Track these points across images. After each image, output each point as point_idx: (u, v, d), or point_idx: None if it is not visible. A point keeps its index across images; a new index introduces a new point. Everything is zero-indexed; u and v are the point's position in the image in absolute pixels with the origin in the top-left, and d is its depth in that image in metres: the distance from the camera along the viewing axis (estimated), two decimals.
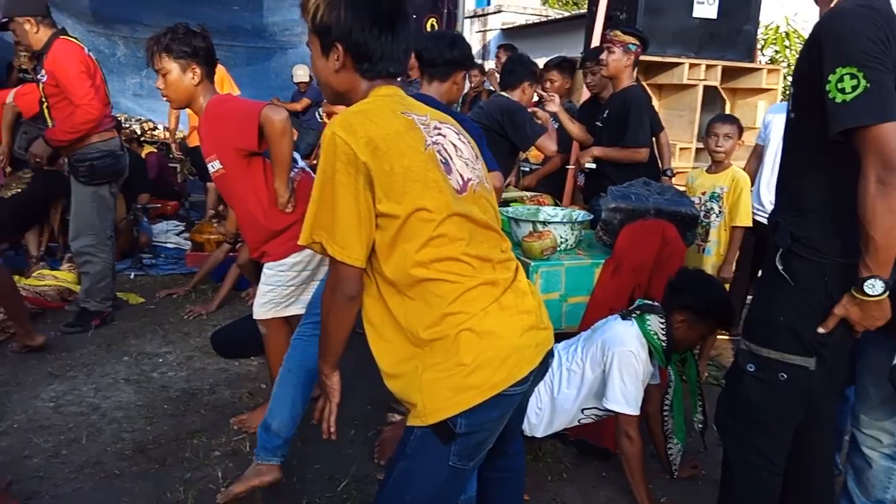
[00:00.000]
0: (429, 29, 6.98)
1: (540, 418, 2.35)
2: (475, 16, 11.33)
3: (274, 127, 2.27)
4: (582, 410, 2.33)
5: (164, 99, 2.48)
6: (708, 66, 4.35)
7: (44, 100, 3.53)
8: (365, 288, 1.37)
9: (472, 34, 11.00)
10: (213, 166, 2.42)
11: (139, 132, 7.52)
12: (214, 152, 2.40)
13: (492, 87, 5.85)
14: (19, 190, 4.39)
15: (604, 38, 3.75)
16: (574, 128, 3.82)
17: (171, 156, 7.38)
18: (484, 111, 3.44)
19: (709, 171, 3.35)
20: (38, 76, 3.46)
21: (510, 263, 1.41)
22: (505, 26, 10.81)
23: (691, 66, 4.33)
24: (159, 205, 5.94)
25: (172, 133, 6.55)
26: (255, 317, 2.58)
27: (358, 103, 1.36)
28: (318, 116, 7.23)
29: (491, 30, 11.13)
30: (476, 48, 10.91)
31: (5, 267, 2.96)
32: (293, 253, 2.48)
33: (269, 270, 2.52)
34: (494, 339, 1.30)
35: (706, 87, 4.39)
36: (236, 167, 2.37)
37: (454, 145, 1.38)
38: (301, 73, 7.58)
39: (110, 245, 3.75)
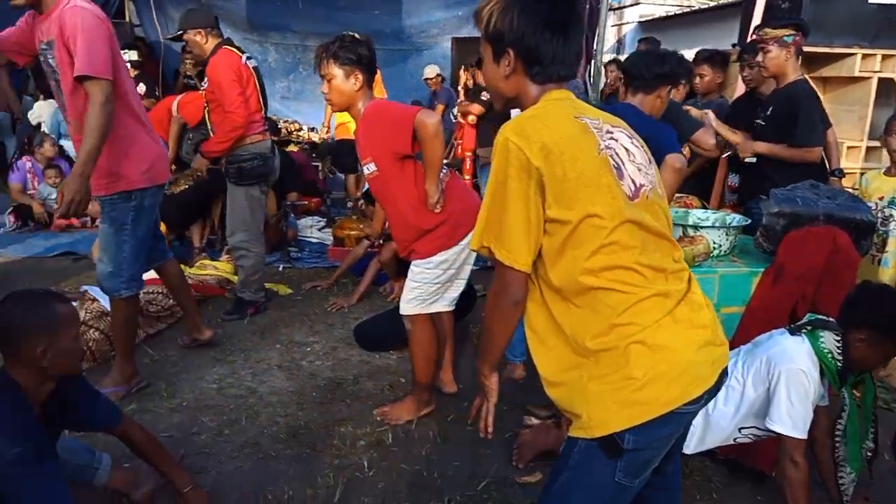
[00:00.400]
0: None
1: (691, 434, 2.22)
2: (610, 9, 11.00)
3: (427, 131, 2.33)
4: (739, 429, 2.18)
5: (327, 102, 2.61)
6: (885, 57, 3.93)
7: (206, 105, 3.84)
8: (528, 293, 1.36)
9: (607, 28, 10.70)
10: (368, 168, 2.51)
11: (286, 132, 8.00)
12: (370, 155, 2.49)
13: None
14: (186, 187, 4.82)
15: (754, 40, 3.49)
16: (736, 138, 3.54)
17: (313, 154, 7.82)
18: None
19: (887, 173, 3.03)
20: (203, 83, 3.76)
21: (683, 274, 1.34)
22: (643, 18, 10.41)
23: (864, 56, 3.93)
24: (305, 202, 6.29)
25: (328, 130, 6.93)
26: (401, 312, 2.65)
27: (530, 108, 1.35)
28: (451, 116, 7.33)
29: (627, 23, 10.76)
30: (611, 42, 10.59)
31: (175, 261, 3.23)
32: (440, 251, 2.53)
33: (416, 268, 2.58)
34: (667, 354, 1.23)
35: (881, 80, 3.97)
36: (390, 169, 2.45)
37: (626, 149, 1.33)
38: (429, 71, 7.71)
39: (262, 240, 4.01)
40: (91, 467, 2.07)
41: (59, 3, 2.47)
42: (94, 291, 3.40)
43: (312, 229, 6.09)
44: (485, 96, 5.69)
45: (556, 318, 1.32)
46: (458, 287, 2.68)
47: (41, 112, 6.68)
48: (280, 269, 4.94)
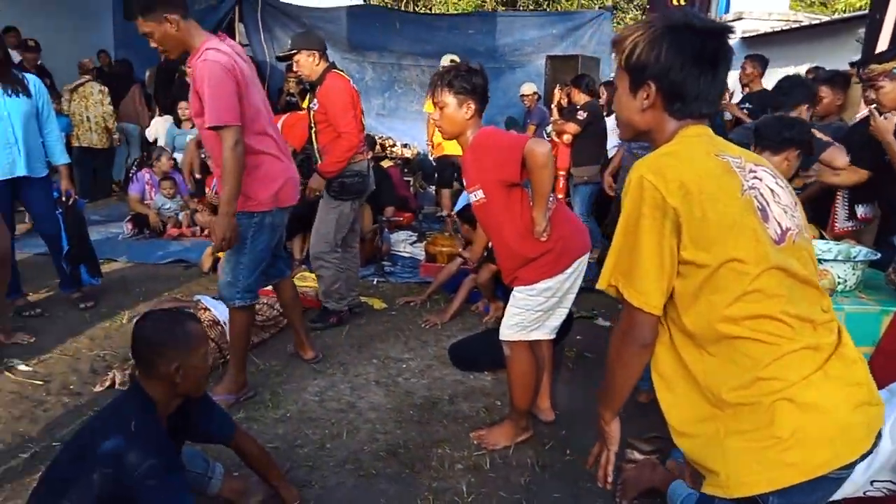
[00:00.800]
0: None
1: None
2: None
3: (537, 160, 2.32)
4: (871, 482, 2.02)
5: (438, 129, 2.65)
6: None
7: (312, 125, 3.98)
8: (657, 336, 1.31)
9: None
10: (476, 195, 2.53)
11: (381, 148, 8.21)
12: (478, 182, 2.50)
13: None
14: None
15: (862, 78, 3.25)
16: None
17: (405, 170, 7.98)
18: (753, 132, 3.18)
19: None
20: (311, 104, 3.89)
21: (832, 325, 1.25)
22: (747, 34, 9.99)
23: None
24: (402, 218, 6.41)
25: (432, 145, 7.08)
26: (500, 337, 2.64)
27: (667, 144, 1.31)
28: (544, 135, 7.29)
29: (730, 39, 10.35)
30: None
31: (291, 280, 3.38)
32: (544, 279, 2.50)
33: (519, 294, 2.56)
34: (819, 414, 1.15)
35: None
36: (497, 197, 2.46)
37: (771, 190, 1.27)
38: (526, 89, 7.70)
39: (343, 253, 4.08)
40: (205, 476, 2.17)
41: (197, 51, 2.66)
42: (207, 301, 3.59)
43: (404, 244, 6.19)
44: (580, 115, 5.63)
45: (686, 365, 1.26)
46: (560, 315, 2.64)
47: (158, 128, 7.15)
48: (374, 282, 5.05)
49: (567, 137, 5.64)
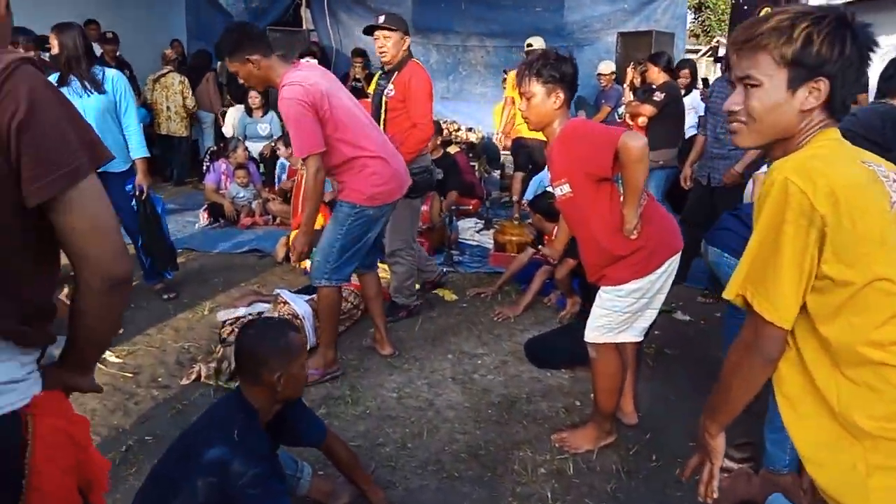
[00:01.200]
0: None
1: None
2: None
3: (631, 154, 2.20)
4: None
5: (524, 120, 2.56)
6: None
7: (383, 112, 3.91)
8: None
9: None
10: (562, 189, 2.43)
11: (447, 133, 8.14)
12: (565, 176, 2.41)
13: None
14: None
15: None
16: None
17: (469, 154, 7.88)
18: (859, 119, 2.94)
19: None
20: (386, 90, 3.81)
21: None
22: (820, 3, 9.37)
23: None
24: (469, 206, 6.34)
25: (507, 132, 7.02)
26: (586, 339, 2.55)
27: (811, 147, 1.18)
28: (616, 117, 7.05)
29: None
30: None
31: (377, 275, 3.43)
32: (634, 279, 2.40)
33: (606, 294, 2.47)
34: None
35: None
36: (586, 191, 2.36)
37: None
38: (604, 67, 7.44)
39: (416, 248, 4.10)
40: (295, 477, 2.20)
41: (279, 85, 2.86)
42: (286, 294, 3.64)
43: (471, 231, 6.14)
44: (657, 97, 5.39)
45: (817, 385, 1.17)
46: (650, 317, 2.53)
47: (231, 119, 7.30)
48: (443, 271, 5.02)
49: (642, 120, 5.43)
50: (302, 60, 7.56)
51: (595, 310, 2.52)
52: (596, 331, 2.52)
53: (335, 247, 3.06)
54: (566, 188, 2.42)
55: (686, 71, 6.57)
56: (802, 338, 1.19)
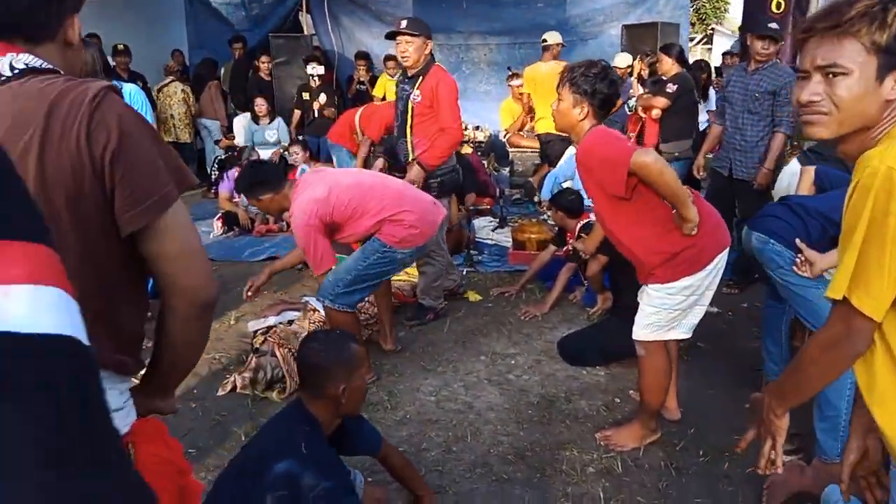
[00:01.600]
0: None
1: None
2: None
3: (649, 171, 2.20)
4: None
5: (553, 118, 2.56)
6: None
7: (409, 118, 3.89)
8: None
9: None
10: (593, 202, 2.45)
11: None
12: (591, 194, 2.44)
13: None
14: None
15: None
16: None
17: (479, 153, 7.87)
18: None
19: None
20: (412, 95, 3.79)
21: None
22: None
23: None
24: (487, 206, 6.33)
25: (522, 125, 7.02)
26: (634, 337, 2.54)
27: None
28: (626, 109, 7.02)
29: None
30: None
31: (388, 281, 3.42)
32: (684, 276, 2.38)
33: (656, 292, 2.45)
34: None
35: None
36: (614, 205, 2.37)
37: None
38: (620, 61, 7.40)
39: (445, 249, 4.09)
40: None
41: (290, 211, 3.11)
42: (314, 302, 3.62)
43: (486, 230, 6.12)
44: (670, 88, 5.38)
45: None
46: (699, 314, 2.52)
47: (238, 127, 7.29)
48: (464, 272, 5.00)
49: (656, 112, 5.41)
50: (308, 67, 7.55)
51: (643, 307, 2.50)
52: (645, 328, 2.51)
53: (350, 275, 3.06)
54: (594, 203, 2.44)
55: (704, 75, 6.54)
56: (892, 332, 1.17)
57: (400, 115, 3.92)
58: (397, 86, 4.07)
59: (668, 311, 2.43)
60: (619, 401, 3.05)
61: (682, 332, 2.53)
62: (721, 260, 2.44)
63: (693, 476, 2.50)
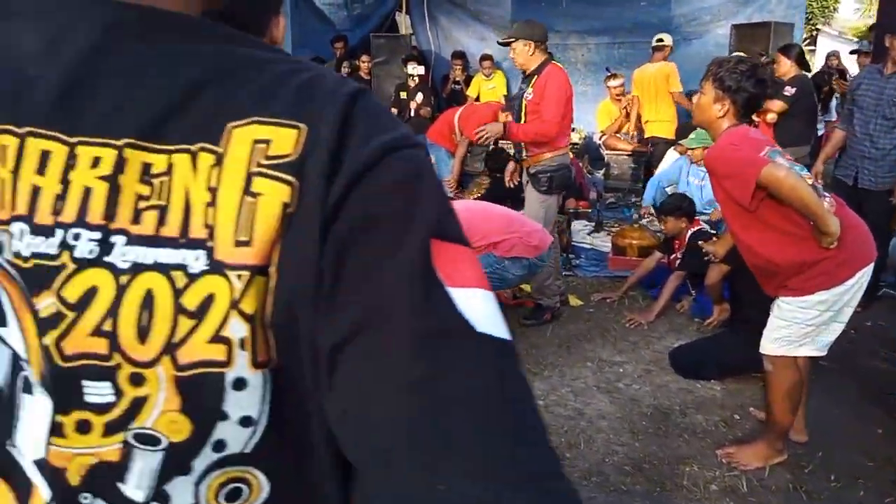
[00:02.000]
0: None
1: None
2: None
3: (781, 186, 2.10)
4: None
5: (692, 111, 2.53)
6: None
7: (523, 115, 3.91)
8: None
9: None
10: (720, 208, 2.38)
11: None
12: (718, 198, 2.37)
13: None
14: (480, 194, 5.05)
15: None
16: None
17: (573, 154, 7.75)
18: None
19: None
20: (525, 93, 3.82)
21: None
22: None
23: None
24: (584, 209, 6.26)
25: (619, 127, 6.96)
26: (762, 351, 2.43)
27: None
28: None
29: None
30: None
31: None
32: (819, 290, 2.26)
33: (788, 305, 2.33)
34: None
35: None
36: (743, 213, 2.27)
37: None
38: None
39: (558, 248, 4.07)
40: None
41: None
42: None
43: (581, 234, 6.02)
44: (788, 91, 5.11)
45: None
46: (835, 331, 2.38)
47: None
48: (559, 307, 4.88)
49: (772, 116, 5.16)
50: (409, 67, 7.68)
51: (773, 320, 2.39)
52: (774, 343, 2.39)
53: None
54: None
55: (826, 88, 6.21)
56: None
57: (516, 113, 3.98)
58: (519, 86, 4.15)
59: (799, 326, 2.30)
60: (738, 417, 2.93)
61: (816, 350, 2.39)
62: (864, 275, 2.29)
63: (825, 502, 2.37)
